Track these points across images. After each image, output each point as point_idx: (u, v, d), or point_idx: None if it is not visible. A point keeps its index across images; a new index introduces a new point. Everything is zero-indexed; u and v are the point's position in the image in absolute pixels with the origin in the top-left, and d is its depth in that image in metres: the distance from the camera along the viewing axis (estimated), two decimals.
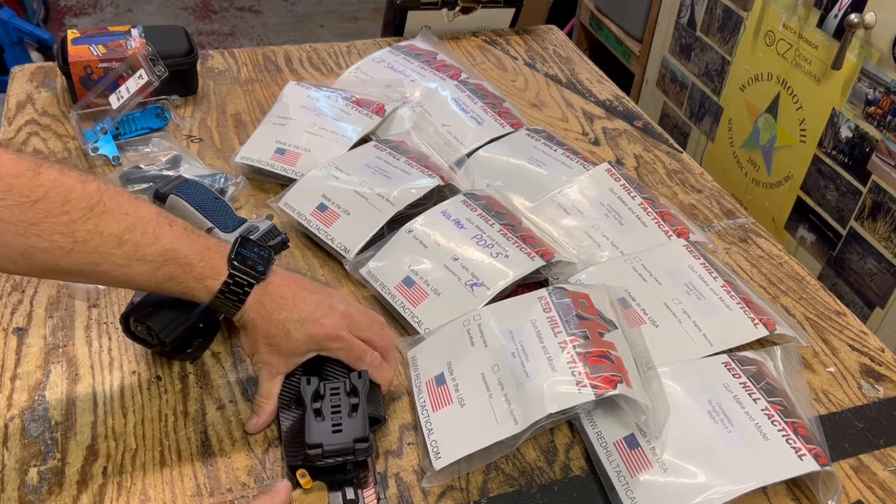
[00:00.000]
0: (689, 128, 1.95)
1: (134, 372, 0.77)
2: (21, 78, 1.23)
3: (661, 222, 0.95)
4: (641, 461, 0.68)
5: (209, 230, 0.85)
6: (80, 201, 0.60)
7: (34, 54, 2.66)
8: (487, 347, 0.76)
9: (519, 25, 1.55)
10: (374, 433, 0.72)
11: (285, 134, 1.08)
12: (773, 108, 1.61)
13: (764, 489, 0.70)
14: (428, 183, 0.96)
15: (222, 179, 1.01)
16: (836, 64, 1.38)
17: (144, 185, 0.99)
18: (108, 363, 0.78)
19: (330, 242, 0.92)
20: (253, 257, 0.69)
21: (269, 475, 0.69)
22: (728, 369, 0.76)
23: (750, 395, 0.73)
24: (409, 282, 0.86)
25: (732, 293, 0.86)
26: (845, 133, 1.41)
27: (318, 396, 0.68)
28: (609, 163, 1.03)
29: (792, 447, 0.68)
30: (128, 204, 0.64)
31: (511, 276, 0.85)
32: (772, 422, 0.70)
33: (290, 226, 0.97)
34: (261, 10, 3.45)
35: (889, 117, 1.31)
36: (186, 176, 0.96)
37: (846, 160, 1.42)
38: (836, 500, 0.68)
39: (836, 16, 1.40)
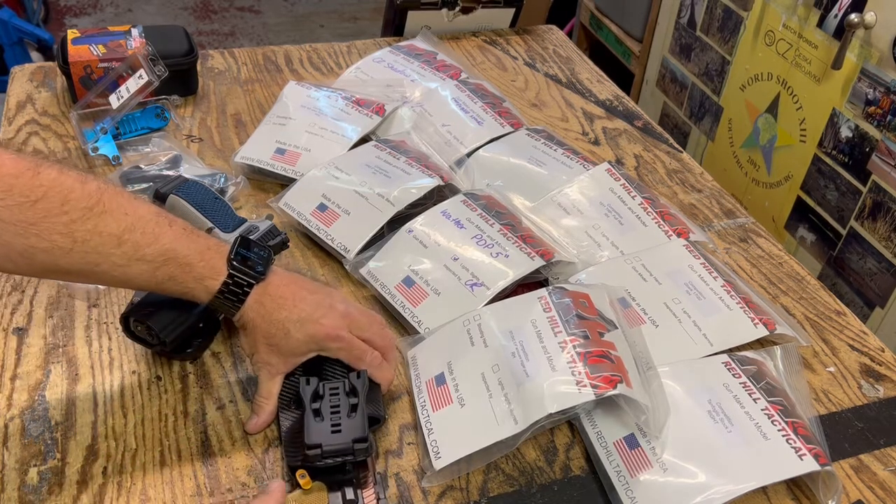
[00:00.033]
0: (689, 128, 1.95)
1: (134, 372, 0.77)
2: (21, 78, 1.23)
3: (661, 222, 0.95)
4: (641, 461, 0.68)
5: (209, 230, 0.85)
6: (79, 201, 0.60)
7: (34, 54, 2.66)
8: (487, 347, 0.76)
9: (519, 25, 1.55)
10: (374, 433, 0.72)
11: (285, 134, 1.08)
12: (773, 108, 1.61)
13: (764, 489, 0.70)
14: (428, 183, 0.96)
15: (222, 179, 1.01)
16: (836, 64, 1.38)
17: (144, 185, 0.99)
18: (108, 363, 0.78)
19: (330, 242, 0.92)
20: (252, 257, 0.69)
21: (269, 475, 0.69)
22: (728, 369, 0.76)
23: (750, 394, 0.73)
24: (409, 282, 0.86)
25: (732, 293, 0.86)
26: (845, 133, 1.41)
27: (317, 396, 0.68)
28: (609, 163, 1.03)
29: (792, 447, 0.68)
30: (127, 204, 0.64)
31: (511, 275, 0.85)
32: (772, 422, 0.70)
33: (290, 226, 0.97)
34: (261, 10, 3.45)
35: (889, 117, 1.31)
36: (186, 176, 0.96)
37: (846, 160, 1.42)
38: (836, 500, 0.68)
39: (836, 16, 1.40)
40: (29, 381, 0.75)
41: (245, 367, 0.78)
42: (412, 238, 0.90)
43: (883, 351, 0.87)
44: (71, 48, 1.13)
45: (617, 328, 0.76)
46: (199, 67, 1.24)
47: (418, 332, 0.82)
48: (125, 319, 0.75)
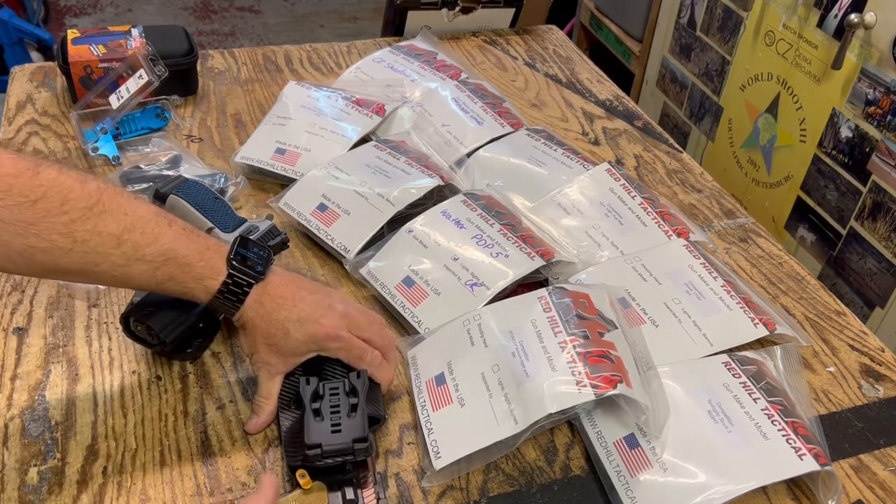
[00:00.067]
0: (689, 128, 1.95)
1: (134, 372, 0.77)
2: (21, 78, 1.23)
3: (661, 222, 0.95)
4: (641, 461, 0.68)
5: (209, 230, 0.85)
6: (79, 201, 0.60)
7: (34, 54, 2.66)
8: (487, 347, 0.76)
9: (519, 25, 1.55)
10: (374, 433, 0.72)
11: (285, 134, 1.08)
12: (773, 108, 1.61)
13: (764, 489, 0.70)
14: (428, 183, 0.96)
15: (222, 179, 1.01)
16: (836, 64, 1.38)
17: (144, 185, 0.99)
18: (108, 363, 0.78)
19: (330, 242, 0.92)
20: (252, 257, 0.69)
21: None
22: (728, 369, 0.76)
23: (750, 394, 0.73)
24: (409, 282, 0.86)
25: (732, 293, 0.86)
26: (845, 133, 1.41)
27: (317, 396, 0.68)
28: (609, 163, 1.03)
29: (792, 447, 0.68)
30: (127, 204, 0.64)
31: (511, 275, 0.85)
32: (772, 422, 0.70)
33: (290, 226, 0.97)
34: (261, 10, 3.45)
35: (889, 117, 1.31)
36: (186, 176, 0.96)
37: (846, 160, 1.42)
38: (836, 500, 0.68)
39: (836, 16, 1.40)
40: (29, 381, 0.75)
41: (245, 367, 0.78)
42: (412, 238, 0.90)
43: (883, 351, 0.87)
44: (71, 48, 1.13)
45: (617, 328, 0.76)
46: (199, 67, 1.24)
47: (418, 332, 0.82)
48: (125, 319, 0.75)
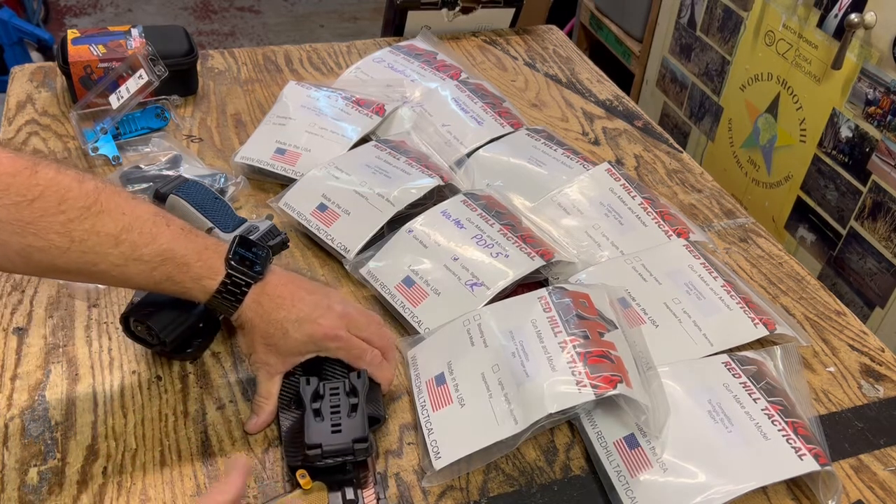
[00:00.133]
0: (689, 128, 1.95)
1: (134, 372, 0.77)
2: (21, 78, 1.23)
3: (661, 222, 0.95)
4: (641, 461, 0.68)
5: (209, 230, 0.85)
6: (76, 200, 0.60)
7: (34, 54, 2.66)
8: (487, 347, 0.76)
9: (519, 25, 1.55)
10: (374, 433, 0.72)
11: (285, 134, 1.08)
12: (773, 108, 1.61)
13: (764, 489, 0.70)
14: (428, 183, 0.96)
15: (222, 179, 1.01)
16: (836, 64, 1.38)
17: (144, 185, 0.99)
18: (108, 363, 0.78)
19: (330, 242, 0.92)
20: (251, 257, 0.69)
21: (269, 475, 0.69)
22: (728, 369, 0.76)
23: (750, 394, 0.73)
24: (409, 282, 0.86)
25: (732, 293, 0.86)
26: (845, 133, 1.41)
27: (317, 396, 0.68)
28: (609, 163, 1.03)
29: (792, 447, 0.68)
30: (125, 203, 0.64)
31: (511, 275, 0.85)
32: (772, 422, 0.70)
33: (290, 226, 0.97)
34: (261, 10, 3.45)
35: (889, 117, 1.31)
36: (186, 176, 0.96)
37: (846, 160, 1.42)
38: (837, 500, 0.68)
39: (836, 16, 1.40)
40: (29, 381, 0.75)
41: (245, 368, 0.78)
42: (412, 238, 0.90)
43: (883, 351, 0.87)
44: (71, 48, 1.13)
45: (617, 328, 0.76)
46: (199, 67, 1.24)
47: (418, 332, 0.82)
48: (125, 319, 0.74)
